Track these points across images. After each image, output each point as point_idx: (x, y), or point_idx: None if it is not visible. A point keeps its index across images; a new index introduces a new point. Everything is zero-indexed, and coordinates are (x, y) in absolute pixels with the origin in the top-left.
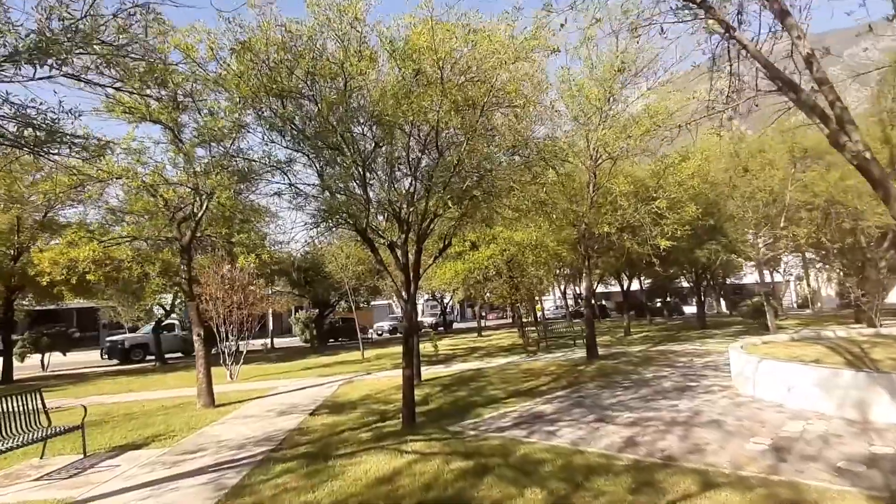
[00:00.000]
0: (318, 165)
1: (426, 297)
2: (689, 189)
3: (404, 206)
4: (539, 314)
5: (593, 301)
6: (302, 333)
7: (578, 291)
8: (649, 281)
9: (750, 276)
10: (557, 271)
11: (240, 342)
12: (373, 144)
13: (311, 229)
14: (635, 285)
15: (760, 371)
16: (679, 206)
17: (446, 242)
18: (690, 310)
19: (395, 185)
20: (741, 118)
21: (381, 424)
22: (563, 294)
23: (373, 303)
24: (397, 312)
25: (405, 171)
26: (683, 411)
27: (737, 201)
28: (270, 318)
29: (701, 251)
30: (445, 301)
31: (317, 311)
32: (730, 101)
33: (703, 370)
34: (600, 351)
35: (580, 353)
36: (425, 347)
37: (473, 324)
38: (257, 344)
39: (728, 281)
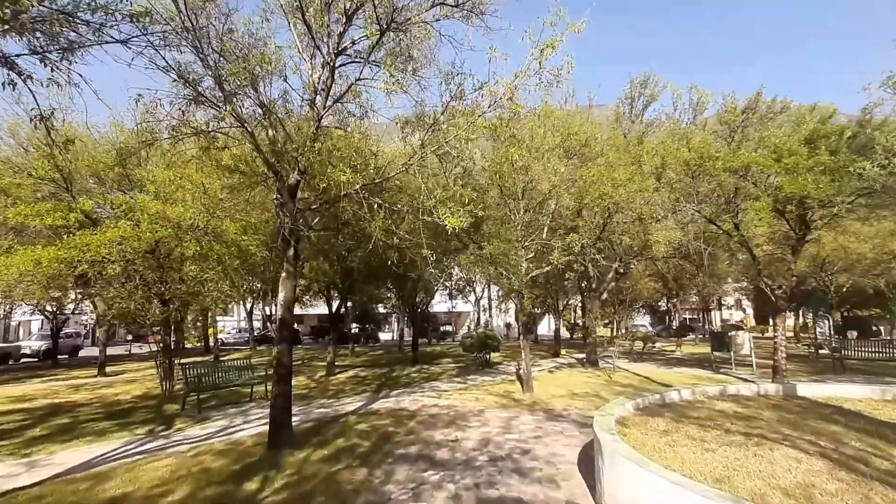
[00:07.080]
0: None
1: (29, 309)
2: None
3: None
4: (215, 340)
5: (295, 326)
6: None
7: (271, 312)
8: (349, 304)
9: (438, 306)
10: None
11: None
12: None
13: None
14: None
15: None
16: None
17: None
18: (385, 336)
19: None
20: None
21: None
22: (250, 314)
23: None
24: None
25: None
26: None
27: (503, 199)
28: None
29: (470, 253)
30: (84, 318)
31: None
32: None
33: (499, 476)
34: (295, 418)
35: (256, 419)
36: None
37: (118, 350)
38: None
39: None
